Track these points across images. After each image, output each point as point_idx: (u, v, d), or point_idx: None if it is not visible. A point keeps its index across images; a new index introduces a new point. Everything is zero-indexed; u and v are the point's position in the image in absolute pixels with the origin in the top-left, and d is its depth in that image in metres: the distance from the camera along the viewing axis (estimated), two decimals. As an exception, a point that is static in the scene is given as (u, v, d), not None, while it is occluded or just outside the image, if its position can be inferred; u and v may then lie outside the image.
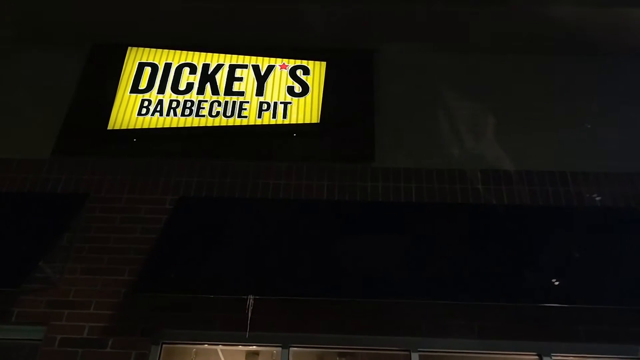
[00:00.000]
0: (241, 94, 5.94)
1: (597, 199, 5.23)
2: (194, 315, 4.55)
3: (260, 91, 5.95)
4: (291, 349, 4.54)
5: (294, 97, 5.92)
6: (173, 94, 5.92)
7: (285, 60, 6.19)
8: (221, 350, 4.91)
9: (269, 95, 5.93)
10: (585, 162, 5.48)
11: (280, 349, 4.52)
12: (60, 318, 4.56)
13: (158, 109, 5.81)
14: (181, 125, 5.72)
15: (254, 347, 4.75)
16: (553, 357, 4.45)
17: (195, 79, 6.04)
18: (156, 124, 5.72)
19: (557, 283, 4.44)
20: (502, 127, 5.75)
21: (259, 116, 5.77)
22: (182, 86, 5.99)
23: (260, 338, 4.49)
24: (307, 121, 5.76)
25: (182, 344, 4.72)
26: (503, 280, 4.49)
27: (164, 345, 4.59)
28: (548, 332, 4.47)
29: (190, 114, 5.77)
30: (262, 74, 6.09)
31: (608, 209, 5.18)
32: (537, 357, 4.49)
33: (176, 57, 6.21)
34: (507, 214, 5.10)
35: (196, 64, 6.16)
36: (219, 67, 6.14)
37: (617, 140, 5.63)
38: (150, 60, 6.19)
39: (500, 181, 5.37)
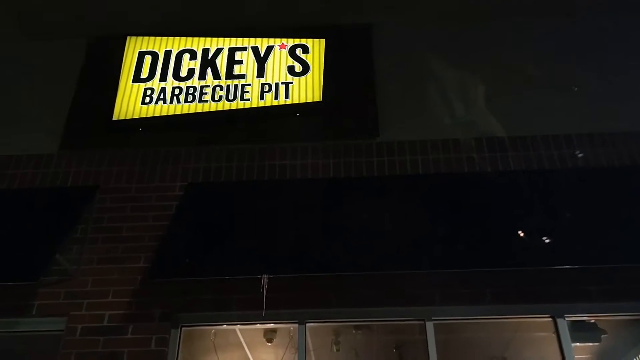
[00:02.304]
0: (242, 76, 5.94)
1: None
2: (211, 298, 4.63)
3: (261, 73, 5.95)
4: (307, 324, 4.62)
5: (294, 77, 5.92)
6: (175, 81, 5.94)
7: (284, 40, 6.17)
8: (239, 329, 5.02)
9: (269, 77, 5.93)
10: (592, 124, 5.46)
11: (297, 325, 4.60)
12: (79, 308, 4.65)
13: (161, 97, 5.84)
14: (185, 111, 5.74)
15: (271, 324, 4.85)
16: (567, 319, 4.50)
17: (196, 64, 6.05)
18: (160, 112, 5.75)
19: (565, 245, 4.46)
20: (504, 93, 5.74)
21: (261, 98, 5.79)
22: (184, 72, 6.00)
23: (277, 316, 4.57)
24: (309, 100, 5.77)
25: (201, 326, 4.83)
26: (512, 245, 4.53)
27: (183, 329, 4.69)
28: (560, 294, 4.50)
29: (193, 100, 5.79)
30: (262, 55, 6.08)
31: (612, 169, 5.17)
32: (550, 319, 4.54)
33: (175, 44, 6.21)
34: (513, 180, 5.12)
35: (196, 50, 6.16)
36: (219, 51, 6.14)
37: (613, 100, 5.60)
38: (150, 49, 6.20)
39: (505, 148, 5.37)
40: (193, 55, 6.12)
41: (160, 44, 6.22)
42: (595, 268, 4.46)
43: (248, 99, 5.78)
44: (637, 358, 4.87)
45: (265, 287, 4.27)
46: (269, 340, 5.09)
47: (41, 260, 4.53)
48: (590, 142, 5.36)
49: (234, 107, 5.74)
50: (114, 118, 5.76)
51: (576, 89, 5.66)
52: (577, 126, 5.45)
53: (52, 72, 6.25)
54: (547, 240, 4.49)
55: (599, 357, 5.00)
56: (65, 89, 6.06)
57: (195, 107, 5.76)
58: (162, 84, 5.93)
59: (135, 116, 5.76)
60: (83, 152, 5.60)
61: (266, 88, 5.84)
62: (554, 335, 4.47)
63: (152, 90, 5.89)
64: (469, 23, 6.27)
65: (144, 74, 6.02)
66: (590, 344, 4.70)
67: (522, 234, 4.58)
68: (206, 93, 5.83)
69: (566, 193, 4.94)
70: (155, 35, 6.27)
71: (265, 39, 6.17)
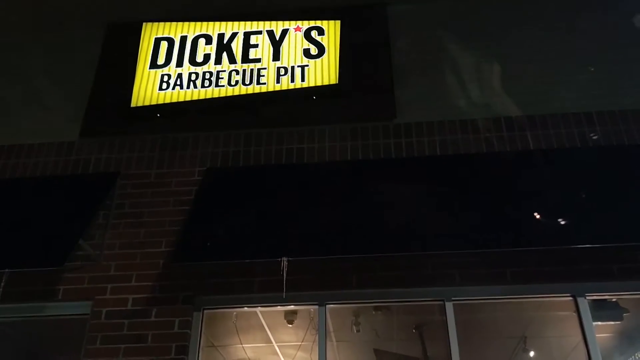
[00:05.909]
0: (258, 60, 5.94)
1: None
2: (232, 281, 4.69)
3: (276, 56, 5.94)
4: (327, 306, 4.67)
5: (310, 60, 5.90)
6: (191, 67, 5.95)
7: (299, 23, 6.14)
8: (260, 312, 5.09)
9: (285, 60, 5.92)
10: (612, 100, 5.37)
11: (317, 306, 4.65)
12: (104, 292, 4.75)
13: (178, 82, 5.86)
14: (202, 97, 5.76)
15: (292, 306, 4.91)
16: (588, 297, 4.48)
17: (212, 49, 6.05)
18: (177, 98, 5.78)
19: (585, 223, 4.43)
20: (522, 72, 5.66)
21: (278, 81, 5.78)
22: (200, 58, 6.01)
23: (297, 298, 4.63)
24: (326, 83, 5.75)
25: (222, 309, 4.92)
26: (532, 225, 4.50)
27: (205, 311, 4.76)
28: (581, 273, 4.48)
29: (210, 85, 5.81)
30: (277, 38, 6.06)
31: (633, 146, 5.09)
32: (571, 298, 4.52)
33: (191, 29, 6.21)
34: (532, 159, 5.08)
35: (211, 35, 6.16)
36: (234, 35, 6.13)
37: (634, 76, 5.50)
38: (165, 35, 6.21)
39: (524, 127, 5.31)
40: (209, 40, 6.12)
41: (175, 30, 6.23)
42: (616, 246, 4.41)
43: (264, 83, 5.78)
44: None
45: (285, 269, 4.30)
46: (290, 322, 5.16)
47: (65, 246, 4.61)
48: (611, 119, 5.27)
49: (251, 92, 5.75)
50: (132, 105, 5.80)
51: (592, 69, 5.56)
52: (597, 103, 5.36)
53: (71, 60, 6.31)
54: (567, 219, 4.45)
55: (621, 335, 4.98)
56: (84, 77, 6.10)
57: (212, 92, 5.78)
58: (179, 70, 5.95)
59: (153, 102, 5.79)
60: (103, 139, 5.67)
61: (282, 71, 5.84)
62: (575, 314, 4.46)
63: (169, 76, 5.92)
64: (486, 0, 6.17)
65: (161, 60, 6.05)
66: (612, 322, 4.69)
67: (542, 213, 4.54)
68: (222, 78, 5.84)
69: (587, 171, 4.89)
70: (171, 20, 6.28)
71: (280, 22, 6.15)
